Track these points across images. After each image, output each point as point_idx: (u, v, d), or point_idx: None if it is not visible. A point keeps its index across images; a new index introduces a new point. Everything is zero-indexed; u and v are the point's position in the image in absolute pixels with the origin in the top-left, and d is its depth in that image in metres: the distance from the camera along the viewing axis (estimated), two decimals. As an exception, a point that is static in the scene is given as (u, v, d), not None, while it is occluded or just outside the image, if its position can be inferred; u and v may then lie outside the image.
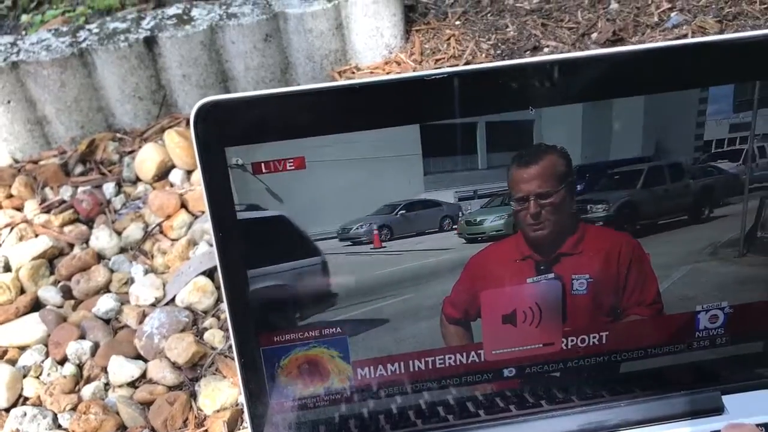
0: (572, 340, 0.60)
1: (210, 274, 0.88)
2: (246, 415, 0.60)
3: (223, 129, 0.52)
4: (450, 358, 0.60)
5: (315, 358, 0.60)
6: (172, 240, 1.01)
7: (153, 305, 0.90)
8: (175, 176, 1.13)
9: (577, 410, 0.62)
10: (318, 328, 0.58)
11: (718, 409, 0.61)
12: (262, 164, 0.53)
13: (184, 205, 1.05)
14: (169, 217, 1.03)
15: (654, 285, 0.59)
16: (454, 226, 0.57)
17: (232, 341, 0.57)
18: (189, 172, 1.11)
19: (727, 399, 0.62)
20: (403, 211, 0.56)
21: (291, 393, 0.60)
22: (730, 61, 0.54)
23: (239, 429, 0.72)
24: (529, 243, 0.57)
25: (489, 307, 0.59)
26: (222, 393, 0.75)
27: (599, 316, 0.60)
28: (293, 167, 0.53)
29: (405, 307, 0.58)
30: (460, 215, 0.57)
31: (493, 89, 0.52)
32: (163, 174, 1.14)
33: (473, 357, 0.60)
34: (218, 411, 0.74)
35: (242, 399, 0.60)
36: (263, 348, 0.58)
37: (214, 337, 0.82)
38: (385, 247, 0.57)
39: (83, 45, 1.22)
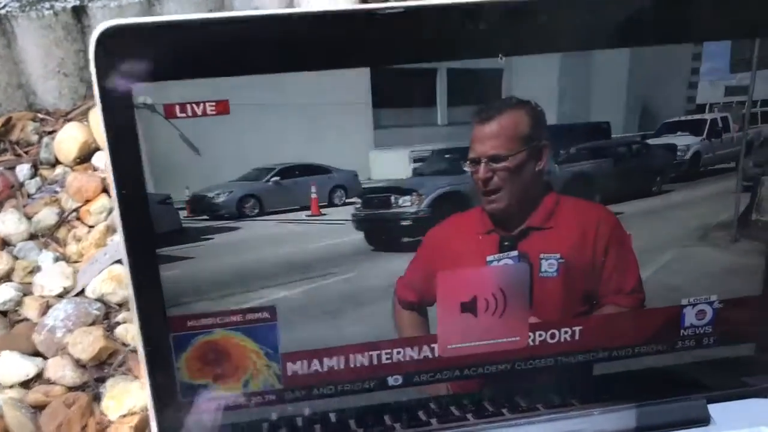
0: (540, 335, 0.52)
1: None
2: (151, 418, 0.50)
3: (130, 60, 0.42)
4: (399, 353, 0.51)
5: (237, 349, 0.50)
6: (90, 227, 0.90)
7: (60, 296, 0.79)
8: (100, 159, 1.03)
9: (543, 418, 0.54)
10: (241, 312, 0.49)
11: (703, 420, 0.54)
12: (177, 106, 0.43)
13: (106, 190, 0.95)
14: (88, 201, 0.93)
15: (635, 271, 0.52)
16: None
17: (136, 325, 0.47)
18: (116, 156, 1.00)
19: (713, 408, 0.55)
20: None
21: (207, 391, 0.50)
22: (727, 14, 0.47)
23: (150, 438, 0.62)
24: (488, 215, 0.49)
25: (446, 291, 0.50)
26: (131, 395, 0.65)
27: (572, 305, 0.52)
28: (215, 112, 0.44)
29: (348, 288, 0.49)
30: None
31: (458, 30, 0.44)
32: (86, 156, 1.03)
33: (426, 352, 0.52)
34: (125, 416, 0.63)
35: (149, 399, 0.49)
36: (174, 334, 0.48)
37: (128, 332, 0.72)
38: (324, 215, 0.47)
39: (1, 11, 1.10)
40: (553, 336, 0.52)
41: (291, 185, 0.47)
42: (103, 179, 0.97)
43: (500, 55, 0.45)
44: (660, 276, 0.52)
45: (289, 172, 0.46)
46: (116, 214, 0.45)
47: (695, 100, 0.49)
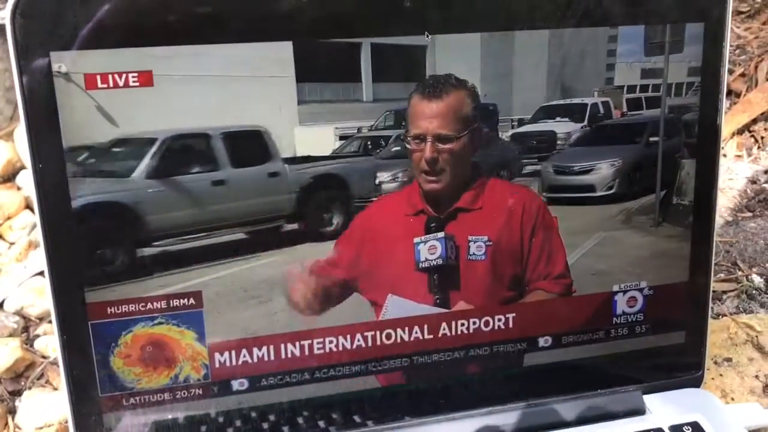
0: (471, 322, 0.51)
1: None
2: (69, 415, 0.47)
3: (48, 26, 0.41)
4: (331, 343, 0.50)
5: (161, 339, 0.48)
6: (11, 243, 0.86)
7: (-26, 311, 0.75)
8: (25, 179, 0.98)
9: (471, 413, 0.52)
10: (165, 297, 0.47)
11: (639, 410, 0.54)
12: (98, 77, 0.42)
13: (29, 206, 0.91)
14: (9, 218, 0.89)
15: (562, 254, 0.52)
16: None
17: (52, 311, 0.45)
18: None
19: (648, 398, 0.54)
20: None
21: (128, 385, 0.48)
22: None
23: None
24: (422, 194, 0.49)
25: (372, 275, 0.49)
26: (49, 407, 0.61)
27: (500, 290, 0.51)
28: (138, 83, 0.43)
29: (278, 271, 0.47)
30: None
31: (386, 5, 0.45)
32: (10, 175, 0.98)
33: (358, 341, 0.50)
34: (41, 428, 0.59)
35: (65, 394, 0.46)
36: (93, 322, 0.46)
37: (48, 345, 0.68)
38: None
39: None
40: (485, 324, 0.52)
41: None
42: (27, 197, 0.93)
43: (426, 33, 0.45)
44: (587, 260, 0.52)
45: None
46: (33, 190, 0.43)
47: (613, 81, 0.50)
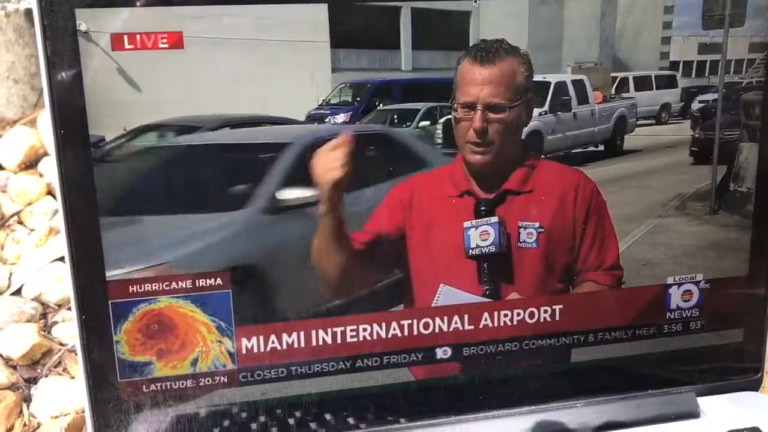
0: (518, 314, 0.48)
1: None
2: (85, 401, 0.44)
3: (73, -19, 0.39)
4: (365, 330, 0.46)
5: (185, 321, 0.45)
6: (31, 229, 0.84)
7: (-7, 297, 0.73)
8: (47, 166, 0.97)
9: (524, 410, 0.49)
10: (191, 276, 0.44)
11: (693, 414, 0.50)
12: (125, 36, 0.40)
13: (51, 193, 0.89)
14: (30, 203, 0.87)
15: (614, 244, 0.48)
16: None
17: (71, 288, 0.42)
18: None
19: (703, 401, 0.51)
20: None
21: (148, 370, 0.45)
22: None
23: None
24: (468, 171, 0.45)
25: (417, 260, 0.46)
26: (65, 396, 0.58)
27: (550, 281, 0.48)
28: (167, 45, 0.40)
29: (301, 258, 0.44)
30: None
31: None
32: (32, 162, 0.97)
33: (395, 330, 0.47)
34: (57, 417, 0.57)
35: (82, 378, 0.44)
36: (113, 301, 0.43)
37: (65, 333, 0.66)
38: None
39: (-51, 11, 1.05)
40: (530, 316, 0.48)
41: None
42: (49, 184, 0.92)
43: (476, -2, 0.42)
44: (638, 249, 0.49)
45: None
46: (54, 158, 0.40)
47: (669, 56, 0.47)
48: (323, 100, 0.43)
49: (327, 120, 0.43)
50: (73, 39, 0.39)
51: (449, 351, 0.48)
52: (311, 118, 0.42)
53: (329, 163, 0.42)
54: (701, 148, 0.47)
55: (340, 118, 0.44)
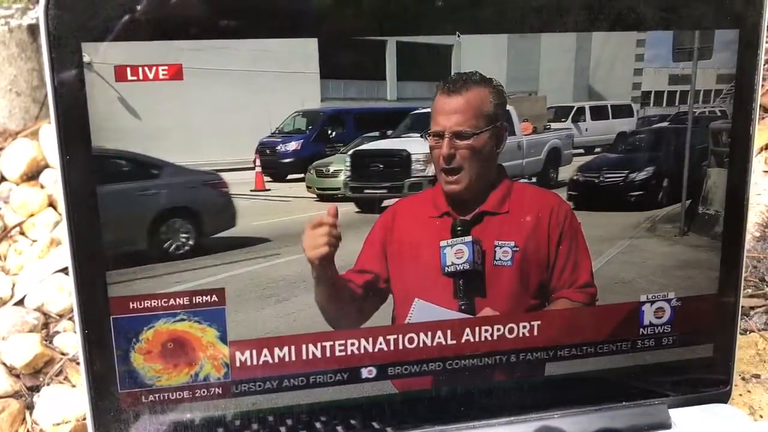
0: (490, 329, 0.50)
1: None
2: (87, 411, 0.47)
3: (80, 18, 0.41)
4: (353, 345, 0.49)
5: (182, 336, 0.47)
6: (33, 240, 0.86)
7: (-5, 307, 0.75)
8: (49, 177, 0.99)
9: (498, 421, 0.51)
10: (188, 294, 0.46)
11: (665, 425, 0.52)
12: (128, 68, 0.42)
13: (52, 204, 0.91)
14: (32, 215, 0.89)
15: (587, 263, 0.51)
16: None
17: (74, 304, 0.45)
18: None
19: (674, 413, 0.53)
20: None
21: (148, 382, 0.47)
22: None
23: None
24: (444, 194, 0.48)
25: (397, 277, 0.49)
26: (67, 404, 0.61)
27: (525, 297, 0.51)
28: (167, 76, 0.43)
29: (297, 270, 0.47)
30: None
31: (418, 5, 0.45)
32: (34, 173, 0.99)
33: (380, 344, 0.50)
34: (58, 424, 0.59)
35: (84, 388, 0.46)
36: (115, 317, 0.46)
37: (67, 342, 0.68)
38: (269, 190, 0.46)
39: (-48, 25, 1.08)
40: (508, 331, 0.51)
41: None
42: (50, 195, 0.94)
43: (458, 33, 0.45)
44: (612, 268, 0.51)
45: None
46: (59, 175, 0.43)
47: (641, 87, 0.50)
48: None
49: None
50: (79, 70, 0.42)
51: (427, 365, 0.50)
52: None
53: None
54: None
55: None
